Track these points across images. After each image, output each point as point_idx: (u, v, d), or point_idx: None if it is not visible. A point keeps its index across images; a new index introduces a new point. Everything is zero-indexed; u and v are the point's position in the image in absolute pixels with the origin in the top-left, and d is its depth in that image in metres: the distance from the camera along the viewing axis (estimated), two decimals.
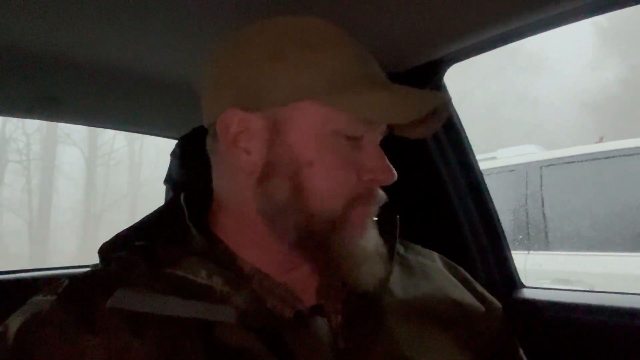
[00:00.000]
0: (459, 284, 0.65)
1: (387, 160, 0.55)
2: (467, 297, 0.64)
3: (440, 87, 0.99)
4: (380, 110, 0.51)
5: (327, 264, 0.55)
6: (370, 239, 0.55)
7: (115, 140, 11.23)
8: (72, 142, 10.89)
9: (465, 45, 0.87)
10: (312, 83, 0.50)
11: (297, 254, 0.54)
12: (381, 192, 0.56)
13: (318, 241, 0.53)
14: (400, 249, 0.65)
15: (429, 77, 0.96)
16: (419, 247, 0.70)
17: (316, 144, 0.51)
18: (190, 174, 0.68)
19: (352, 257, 0.53)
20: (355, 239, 0.53)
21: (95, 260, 0.56)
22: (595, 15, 0.76)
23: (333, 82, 0.50)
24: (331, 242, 0.53)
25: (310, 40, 0.52)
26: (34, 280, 1.17)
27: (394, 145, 1.04)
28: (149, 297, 0.47)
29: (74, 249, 10.29)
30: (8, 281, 1.14)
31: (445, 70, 0.97)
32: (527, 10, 0.75)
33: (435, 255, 0.69)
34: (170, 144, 1.08)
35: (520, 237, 2.88)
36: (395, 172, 0.55)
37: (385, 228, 0.61)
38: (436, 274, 0.65)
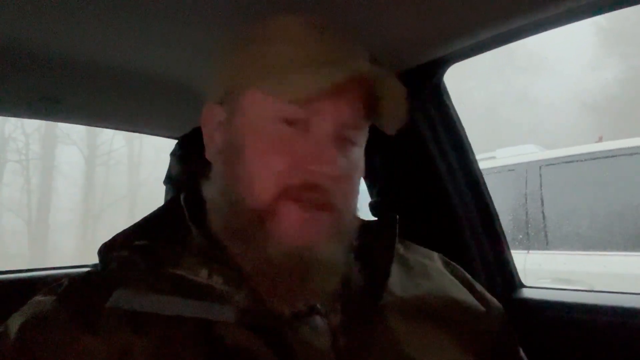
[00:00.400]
0: (459, 284, 0.65)
1: (334, 152, 0.50)
2: (467, 297, 0.64)
3: (440, 87, 0.99)
4: (289, 87, 0.49)
5: (252, 263, 0.50)
6: (306, 244, 0.49)
7: (114, 140, 11.24)
8: (71, 142, 10.89)
9: (465, 45, 0.87)
10: (253, 72, 0.53)
11: (227, 247, 0.52)
12: (330, 189, 0.50)
13: (240, 233, 0.50)
14: (399, 248, 0.65)
15: (428, 76, 0.96)
16: (418, 247, 0.69)
17: (253, 128, 0.52)
18: (190, 173, 0.68)
19: (276, 260, 0.49)
20: (282, 238, 0.49)
21: (95, 260, 0.56)
22: (596, 15, 0.76)
23: (266, 69, 0.52)
24: (254, 236, 0.49)
25: (268, 33, 0.54)
26: (34, 280, 1.17)
27: (394, 145, 1.05)
28: (149, 297, 0.47)
29: (73, 248, 10.29)
30: (7, 281, 1.14)
31: (445, 70, 0.97)
32: (527, 10, 0.75)
33: (435, 254, 0.69)
34: (169, 144, 1.08)
35: (520, 236, 2.88)
36: (339, 162, 0.50)
37: (385, 228, 0.61)
38: (436, 274, 0.65)
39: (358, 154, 0.56)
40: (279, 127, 0.51)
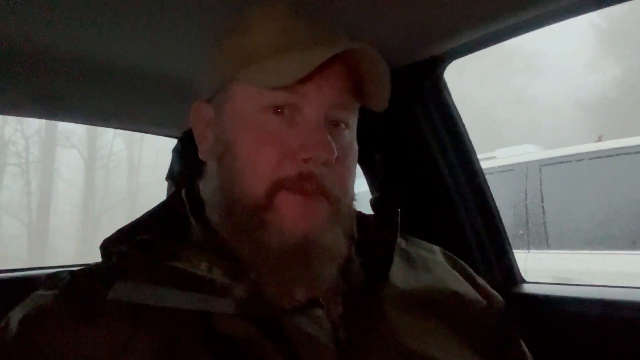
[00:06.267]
0: (460, 277, 0.65)
1: (326, 136, 0.49)
2: (468, 290, 0.64)
3: (440, 83, 1.00)
4: (272, 74, 0.49)
5: (253, 255, 0.50)
6: (306, 232, 0.48)
7: (114, 143, 11.24)
8: (71, 145, 10.89)
9: (465, 41, 0.87)
10: (235, 63, 0.52)
11: (226, 241, 0.51)
12: (325, 176, 0.49)
13: (239, 227, 0.50)
14: (401, 242, 0.65)
15: (429, 73, 0.96)
16: (420, 241, 0.69)
17: (241, 122, 0.52)
18: (191, 169, 0.69)
19: (278, 251, 0.48)
20: (282, 229, 0.48)
21: (95, 261, 0.56)
22: (596, 10, 0.76)
23: (245, 59, 0.52)
24: (253, 230, 0.49)
25: (244, 24, 0.55)
26: (34, 278, 1.17)
27: (395, 141, 1.05)
28: (148, 289, 0.47)
29: (72, 251, 10.28)
30: (7, 279, 1.14)
31: (445, 67, 0.97)
32: (527, 6, 0.75)
33: (437, 248, 0.69)
34: (169, 147, 1.08)
35: (521, 232, 2.88)
36: (334, 148, 0.48)
37: (386, 221, 0.61)
38: (437, 267, 0.65)
39: (350, 136, 0.55)
40: (268, 117, 0.51)
